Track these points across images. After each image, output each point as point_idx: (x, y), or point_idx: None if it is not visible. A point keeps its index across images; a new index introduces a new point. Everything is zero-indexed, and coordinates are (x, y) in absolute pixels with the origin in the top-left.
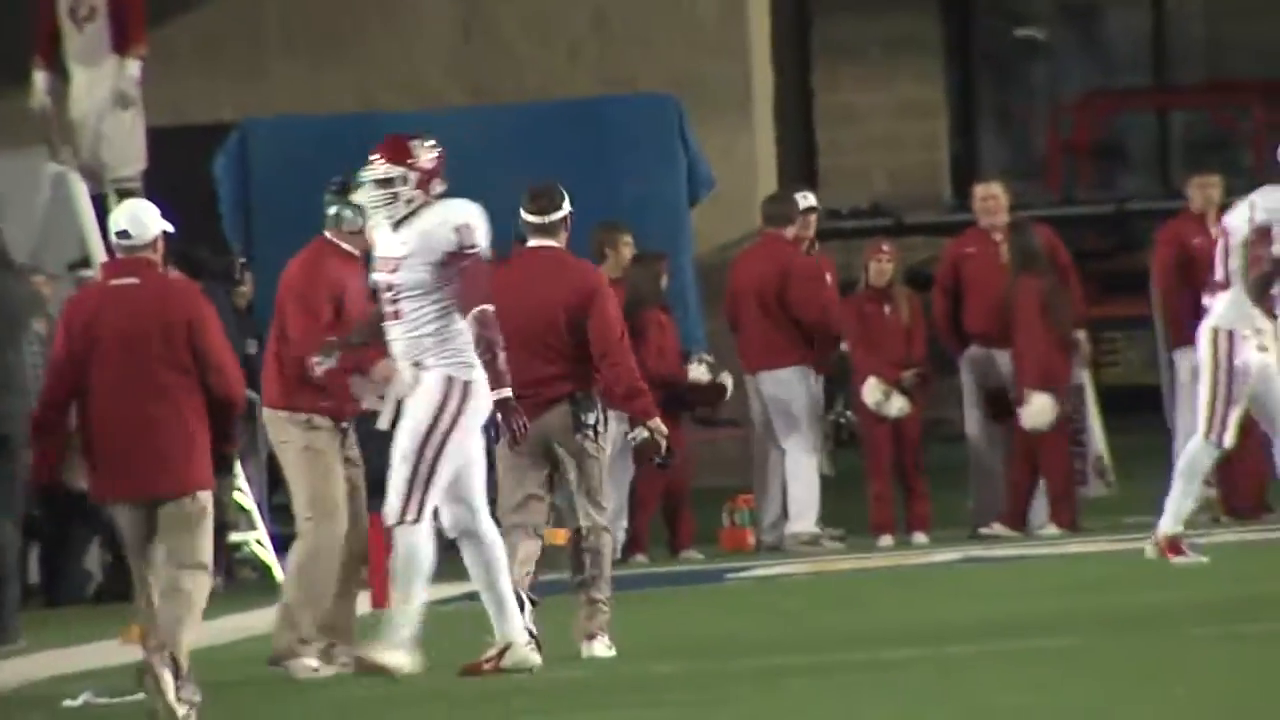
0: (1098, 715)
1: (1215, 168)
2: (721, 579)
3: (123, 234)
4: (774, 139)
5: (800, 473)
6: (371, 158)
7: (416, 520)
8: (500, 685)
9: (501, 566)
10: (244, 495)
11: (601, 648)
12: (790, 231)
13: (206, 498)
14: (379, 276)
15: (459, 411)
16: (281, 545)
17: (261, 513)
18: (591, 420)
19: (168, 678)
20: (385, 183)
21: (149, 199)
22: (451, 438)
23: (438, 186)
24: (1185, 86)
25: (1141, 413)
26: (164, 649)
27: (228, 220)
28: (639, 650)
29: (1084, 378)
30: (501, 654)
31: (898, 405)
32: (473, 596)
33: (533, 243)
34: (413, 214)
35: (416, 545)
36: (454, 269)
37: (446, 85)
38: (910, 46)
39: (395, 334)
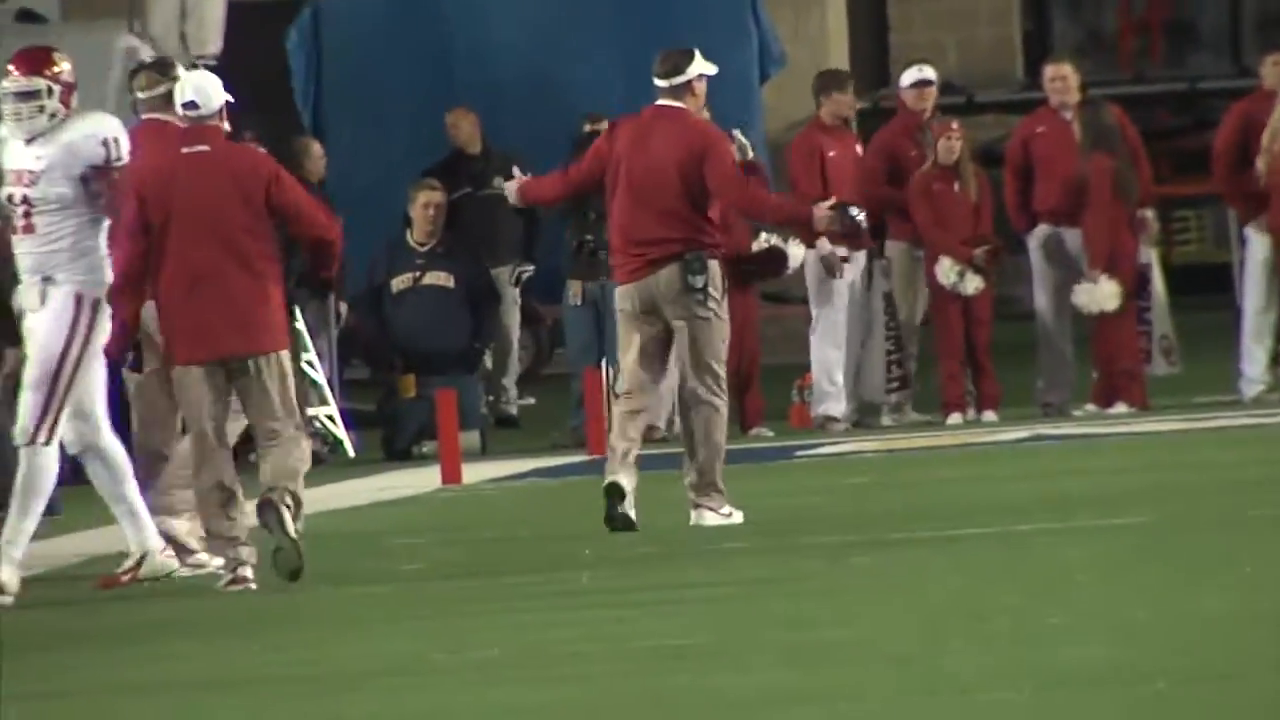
0: (1166, 591)
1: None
2: (792, 455)
3: (189, 104)
4: (845, 14)
5: (819, 356)
6: (10, 69)
7: (47, 442)
8: (570, 550)
9: (126, 476)
10: (315, 371)
11: (713, 518)
12: (825, 110)
13: (286, 358)
14: (9, 189)
15: (89, 331)
16: (354, 421)
17: (332, 388)
18: (700, 284)
19: (286, 515)
20: (29, 95)
21: (222, 76)
22: (83, 360)
23: (74, 100)
24: None
25: (1213, 291)
26: (278, 489)
27: (299, 97)
28: (709, 526)
29: (1151, 256)
30: (139, 563)
31: (974, 284)
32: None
33: (660, 103)
34: (55, 128)
35: (44, 466)
36: (100, 182)
37: None
38: None
39: (25, 248)
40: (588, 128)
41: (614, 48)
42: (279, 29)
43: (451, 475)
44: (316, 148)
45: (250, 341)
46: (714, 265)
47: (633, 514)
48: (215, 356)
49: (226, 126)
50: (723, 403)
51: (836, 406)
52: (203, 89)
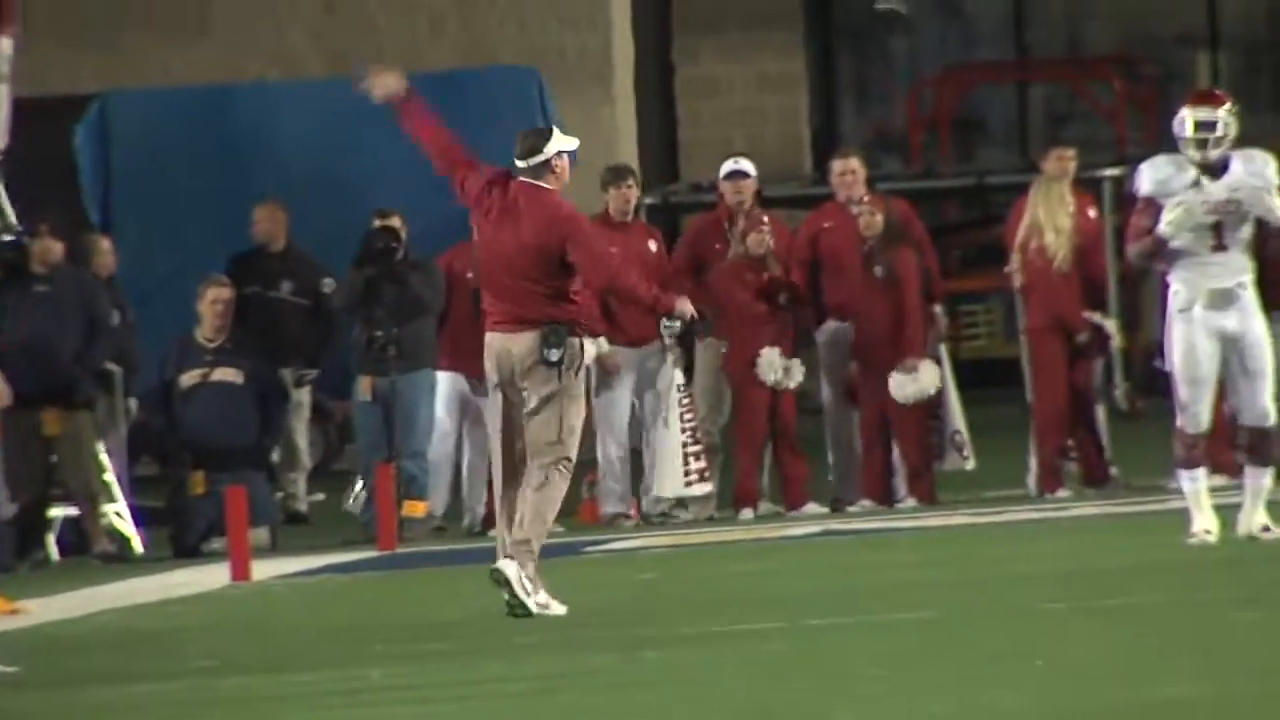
0: (956, 687)
1: (1073, 142)
2: (580, 551)
3: None
4: (635, 111)
5: (603, 454)
6: None
7: None
8: (361, 646)
9: None
10: (106, 468)
11: (516, 571)
12: (611, 204)
13: None
14: None
15: None
16: (142, 518)
17: (121, 484)
18: (554, 357)
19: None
20: None
21: (11, 170)
22: None
23: None
24: (1044, 60)
25: (1001, 385)
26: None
27: (87, 192)
28: (502, 619)
29: (941, 351)
30: None
31: (797, 377)
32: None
33: (522, 180)
34: None
35: None
36: None
37: (309, 56)
38: (771, 20)
39: None
40: (377, 222)
41: (403, 141)
42: (68, 123)
43: (241, 572)
44: (105, 243)
45: None
46: (573, 342)
47: (528, 600)
48: None
49: None
50: (564, 484)
51: (622, 504)
52: None
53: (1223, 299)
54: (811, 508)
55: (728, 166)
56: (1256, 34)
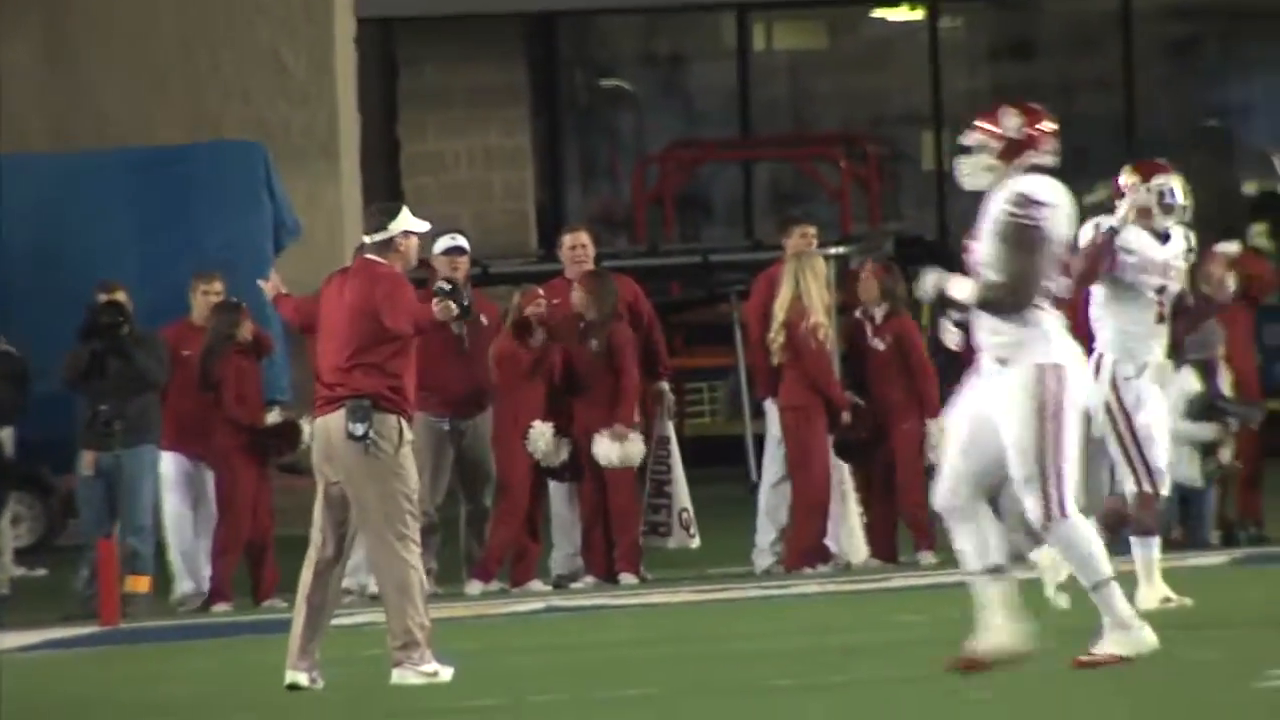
0: None
1: (803, 219)
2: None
3: None
4: (360, 187)
5: None
6: None
7: None
8: None
9: None
10: None
11: (411, 675)
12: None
13: None
14: None
15: None
16: None
17: None
18: (360, 432)
19: None
20: None
21: None
22: None
23: None
24: (770, 138)
25: (724, 464)
26: None
27: None
28: (220, 696)
29: (669, 428)
30: None
31: (565, 451)
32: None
33: (365, 256)
34: None
35: None
36: None
37: (30, 129)
38: (497, 96)
39: None
40: (102, 296)
41: (127, 215)
42: None
43: None
44: None
45: None
46: (383, 417)
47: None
48: None
49: None
50: (413, 557)
51: (353, 579)
52: None
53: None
54: (535, 585)
55: (444, 242)
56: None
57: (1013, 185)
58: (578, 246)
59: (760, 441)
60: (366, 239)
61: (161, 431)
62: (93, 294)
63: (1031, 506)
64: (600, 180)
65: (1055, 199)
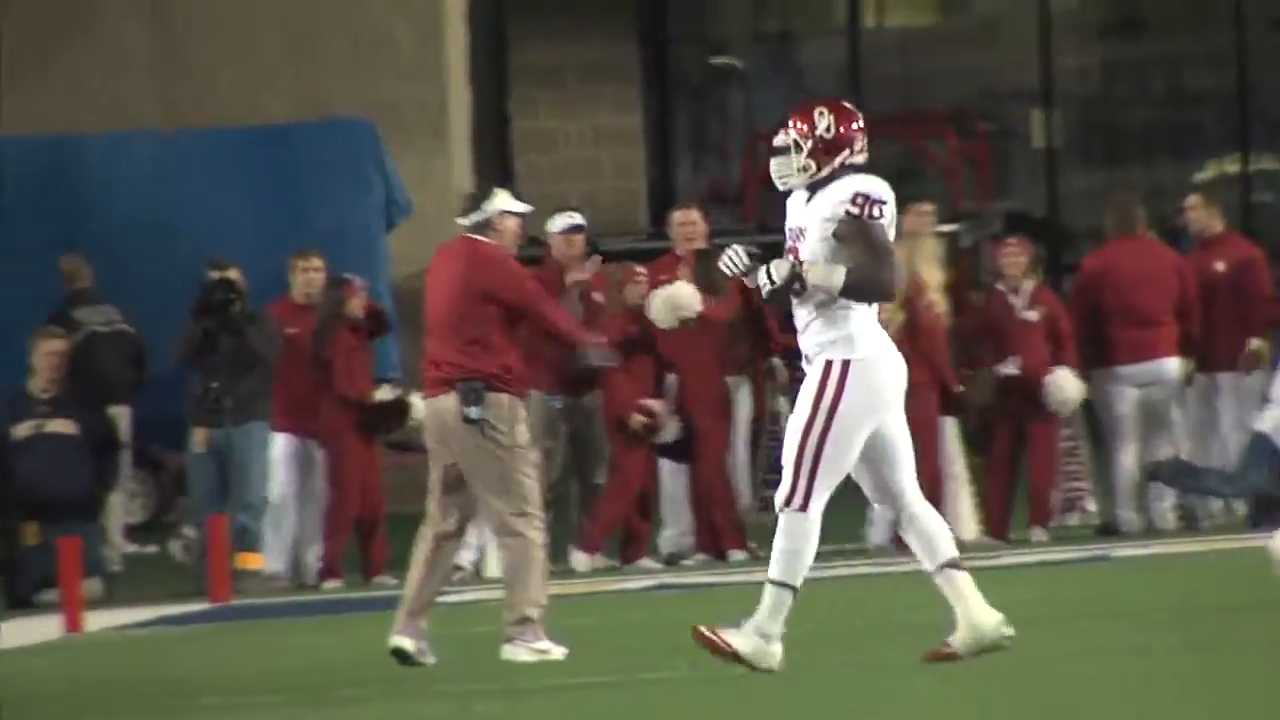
0: None
1: (910, 198)
2: None
3: None
4: (470, 164)
5: None
6: None
7: None
8: (192, 698)
9: None
10: None
11: (525, 653)
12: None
13: None
14: None
15: None
16: None
17: None
18: (474, 415)
19: None
20: None
21: None
22: None
23: None
24: (880, 115)
25: None
26: None
27: None
28: (332, 672)
29: (782, 404)
30: None
31: (673, 429)
32: None
33: (464, 235)
34: None
35: None
36: None
37: (142, 108)
38: (607, 73)
39: None
40: (214, 274)
41: (238, 193)
42: None
43: (73, 623)
44: None
45: None
46: (495, 397)
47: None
48: None
49: None
50: (537, 535)
51: (465, 555)
52: None
53: None
54: (646, 563)
55: (562, 221)
56: (1090, 92)
57: (847, 185)
58: (688, 224)
59: None
60: (463, 220)
61: (272, 410)
62: (205, 272)
63: (781, 488)
64: (710, 158)
65: (889, 196)
